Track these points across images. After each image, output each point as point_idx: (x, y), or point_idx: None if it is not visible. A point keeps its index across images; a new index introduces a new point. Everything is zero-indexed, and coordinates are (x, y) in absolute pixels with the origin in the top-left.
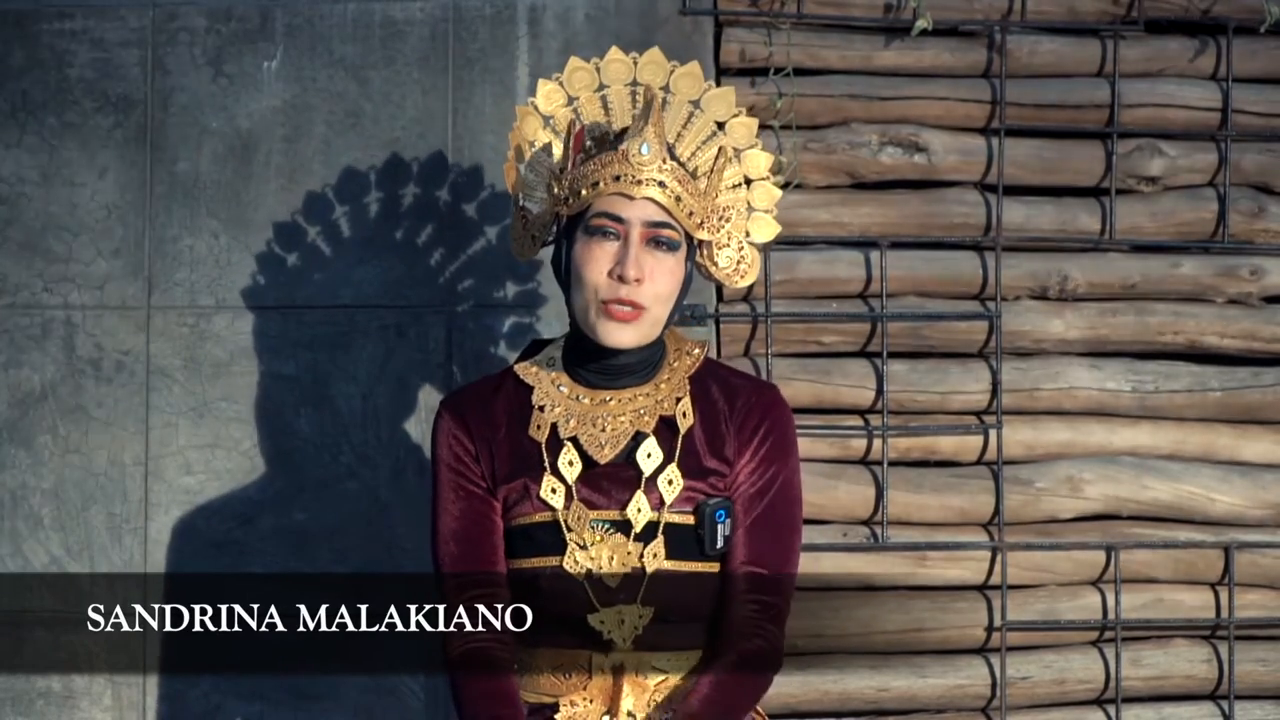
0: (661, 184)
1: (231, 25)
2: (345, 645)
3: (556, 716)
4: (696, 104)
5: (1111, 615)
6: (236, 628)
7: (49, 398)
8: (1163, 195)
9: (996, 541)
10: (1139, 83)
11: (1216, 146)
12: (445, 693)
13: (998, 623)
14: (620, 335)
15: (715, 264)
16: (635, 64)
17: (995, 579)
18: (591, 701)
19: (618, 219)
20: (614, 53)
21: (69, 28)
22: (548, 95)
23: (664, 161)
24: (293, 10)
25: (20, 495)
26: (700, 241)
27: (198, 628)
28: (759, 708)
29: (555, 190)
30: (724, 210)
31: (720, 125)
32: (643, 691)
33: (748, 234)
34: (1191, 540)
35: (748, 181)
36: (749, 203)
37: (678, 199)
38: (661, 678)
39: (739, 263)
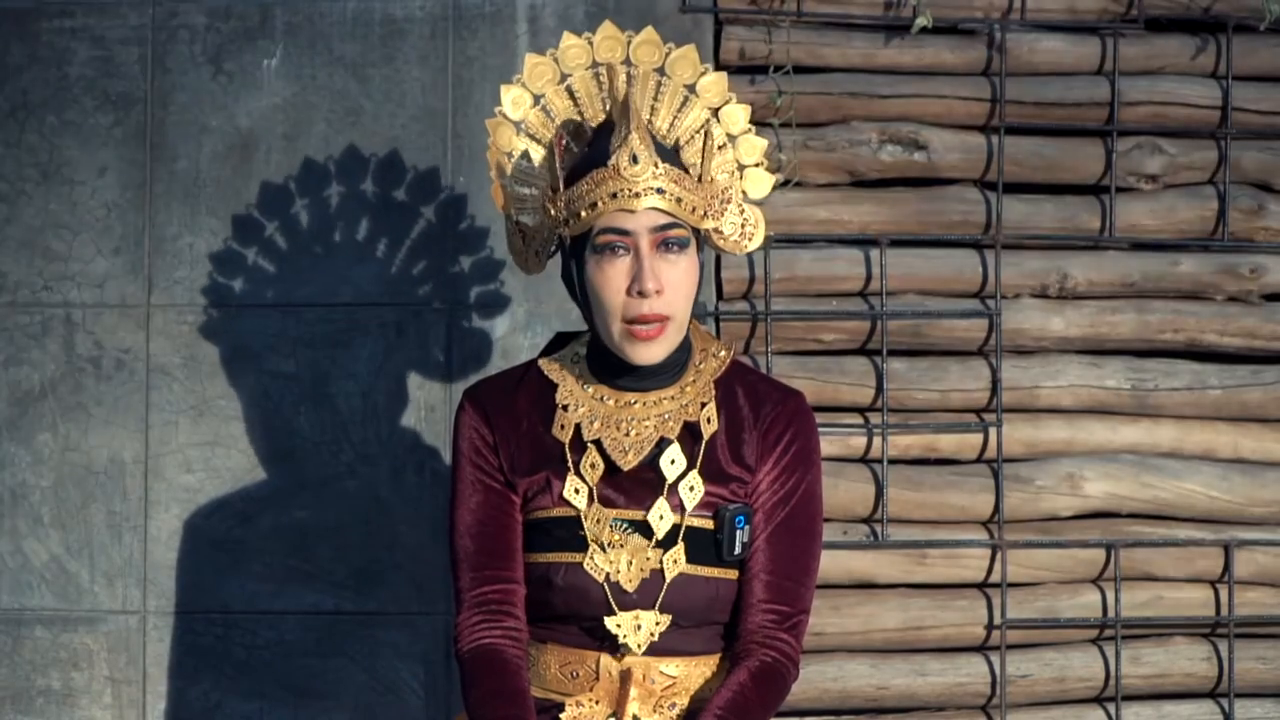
0: (660, 190)
1: (231, 23)
2: (345, 643)
3: (562, 716)
4: (663, 72)
5: (1111, 613)
6: (236, 627)
7: (49, 396)
8: (1163, 193)
9: (996, 539)
10: (1139, 80)
11: (1216, 144)
12: (445, 691)
13: (997, 620)
14: (649, 353)
15: (722, 234)
16: (592, 44)
17: (995, 577)
18: (598, 703)
19: (623, 232)
20: (568, 38)
21: (69, 25)
22: (515, 100)
23: (656, 166)
24: (293, 8)
25: (20, 493)
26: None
27: (198, 627)
28: None
29: (553, 212)
30: (723, 192)
31: (692, 89)
32: (649, 696)
33: (744, 194)
34: (1191, 538)
35: (732, 140)
36: (737, 161)
37: (679, 200)
38: (669, 683)
39: (743, 225)
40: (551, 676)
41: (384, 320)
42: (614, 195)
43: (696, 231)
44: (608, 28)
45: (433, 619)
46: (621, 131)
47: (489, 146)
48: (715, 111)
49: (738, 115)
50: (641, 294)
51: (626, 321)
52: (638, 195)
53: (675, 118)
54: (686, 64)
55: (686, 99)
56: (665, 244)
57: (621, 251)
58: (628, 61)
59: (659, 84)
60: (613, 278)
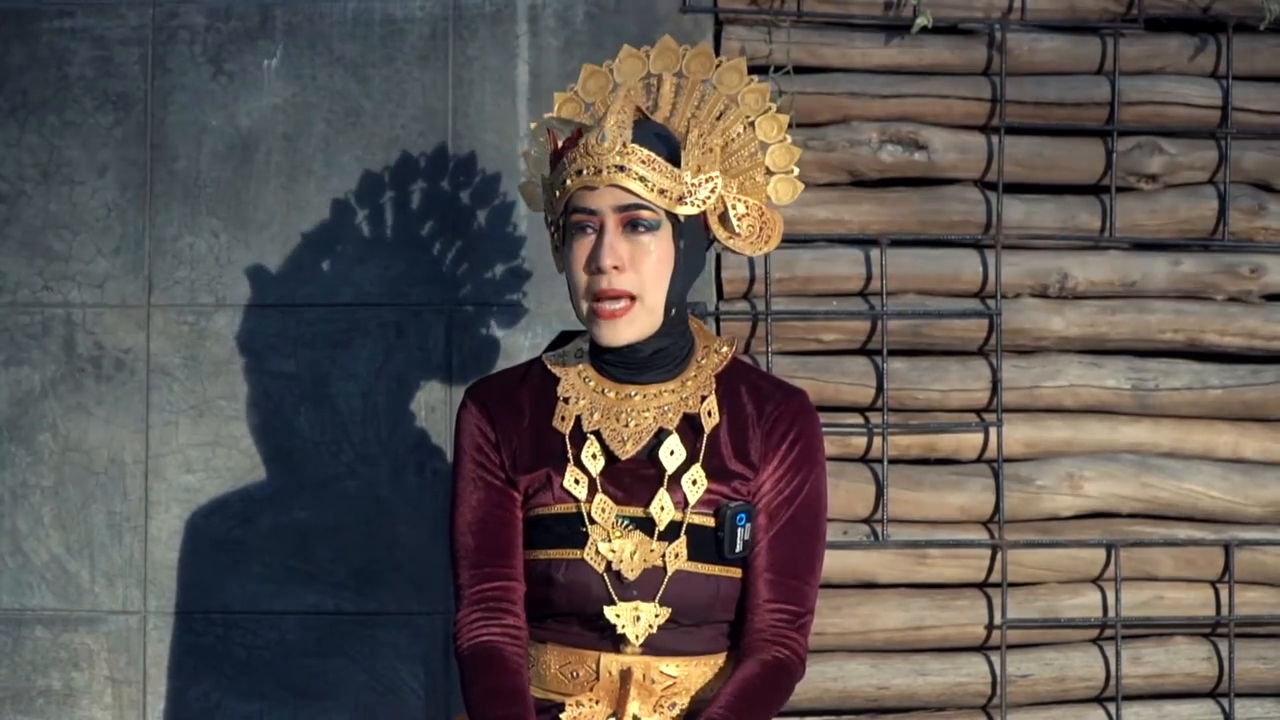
0: (622, 168)
1: (231, 23)
2: (345, 643)
3: (562, 716)
4: (709, 83)
5: (1111, 613)
6: (237, 627)
7: (49, 396)
8: (1163, 193)
9: (997, 539)
10: (1139, 80)
11: (1216, 144)
12: (445, 691)
13: (998, 620)
14: (616, 333)
15: (737, 234)
16: (648, 56)
17: (995, 577)
18: (598, 703)
19: (590, 211)
20: (626, 50)
21: (69, 26)
22: (564, 105)
23: (624, 146)
24: (293, 8)
25: (20, 493)
26: (707, 216)
27: (198, 627)
28: None
29: (544, 198)
30: (705, 180)
31: (734, 99)
32: (649, 695)
33: (769, 199)
34: (1191, 538)
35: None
36: (767, 167)
37: (643, 179)
38: (669, 683)
39: (761, 229)
40: (551, 677)
41: (384, 320)
42: (579, 172)
43: (675, 217)
44: (666, 40)
45: (433, 619)
46: (603, 115)
47: (526, 150)
48: (752, 120)
49: (770, 126)
50: (598, 269)
51: (593, 300)
52: (599, 172)
53: (713, 124)
54: (703, 60)
55: (727, 108)
56: (633, 224)
57: (590, 231)
58: (680, 74)
59: (703, 94)
60: (579, 255)
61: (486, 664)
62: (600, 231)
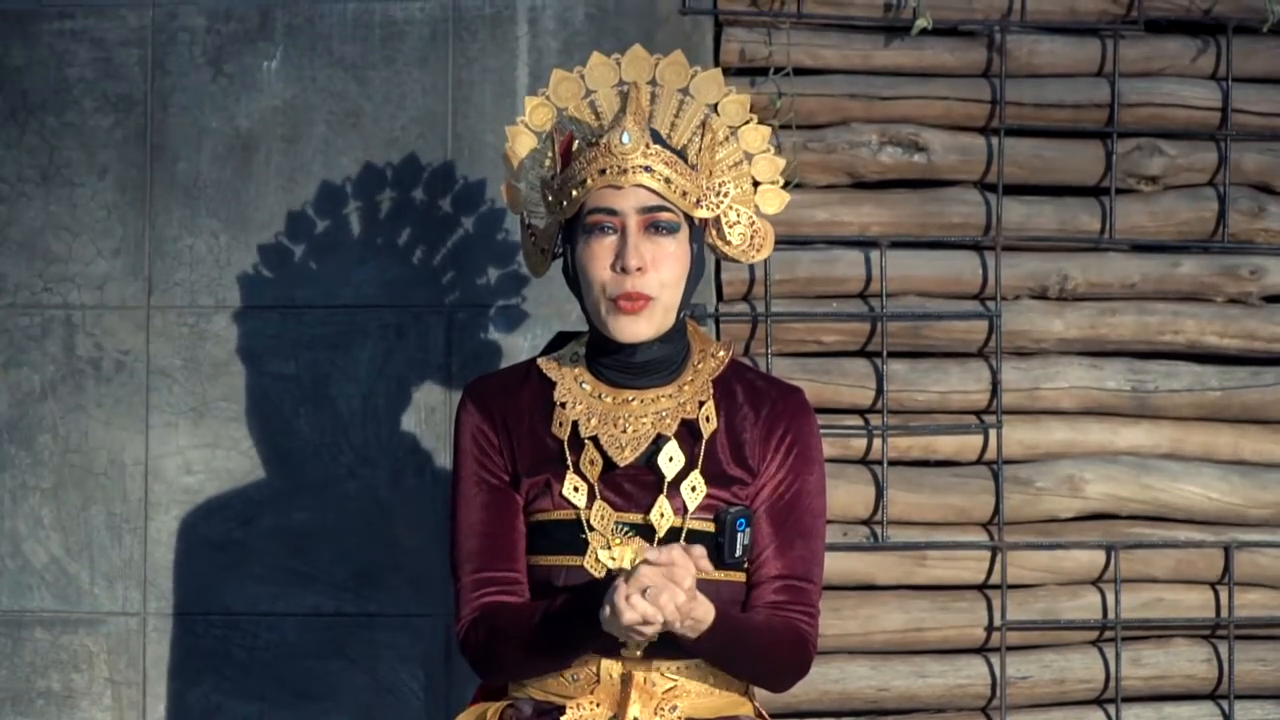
0: (648, 169)
1: (231, 25)
2: (345, 645)
3: (562, 718)
4: (686, 92)
5: (1111, 615)
6: (237, 629)
7: (49, 397)
8: (1163, 195)
9: (996, 541)
10: (1139, 82)
11: (1216, 146)
12: (445, 693)
13: (998, 622)
14: (634, 329)
15: (729, 242)
16: (619, 64)
17: (995, 579)
18: (599, 706)
19: (611, 212)
20: (596, 57)
21: (69, 27)
22: (536, 110)
23: (647, 147)
24: (293, 10)
25: (20, 495)
26: (707, 221)
27: (198, 628)
28: (763, 710)
29: (548, 199)
30: (719, 185)
31: (714, 108)
32: (650, 699)
33: (757, 208)
34: (1191, 540)
35: (749, 157)
36: (753, 177)
37: (667, 180)
38: (670, 685)
39: (752, 238)
40: (552, 679)
41: (384, 322)
42: (602, 172)
43: (691, 220)
44: (637, 50)
45: (433, 620)
46: (619, 115)
47: (506, 151)
48: (735, 130)
49: (736, 108)
50: (624, 269)
51: (610, 299)
52: (625, 172)
53: (694, 135)
54: (677, 69)
55: (707, 117)
56: (654, 226)
57: (610, 231)
58: (654, 82)
59: (681, 103)
60: (598, 254)
61: (495, 617)
62: (622, 232)
